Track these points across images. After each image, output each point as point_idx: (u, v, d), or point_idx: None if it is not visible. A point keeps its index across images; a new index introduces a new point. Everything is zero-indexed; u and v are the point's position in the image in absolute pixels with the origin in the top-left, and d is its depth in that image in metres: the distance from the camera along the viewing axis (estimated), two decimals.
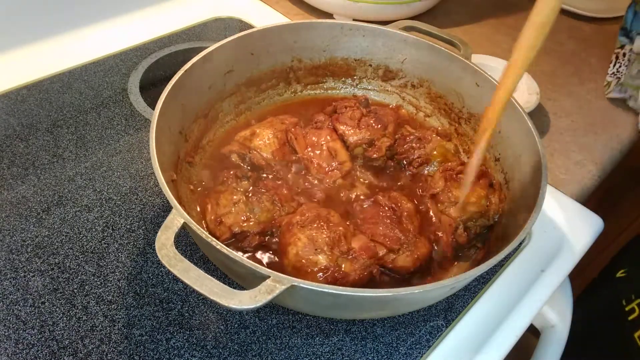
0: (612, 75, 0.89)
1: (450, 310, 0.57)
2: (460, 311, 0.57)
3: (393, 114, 0.71)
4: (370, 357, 0.53)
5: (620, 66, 0.88)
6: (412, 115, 0.75)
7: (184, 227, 0.44)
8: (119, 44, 0.87)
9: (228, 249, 0.43)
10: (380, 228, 0.56)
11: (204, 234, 0.44)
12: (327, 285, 0.42)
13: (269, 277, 0.41)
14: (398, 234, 0.56)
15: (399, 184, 0.66)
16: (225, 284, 0.41)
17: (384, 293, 0.44)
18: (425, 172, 0.65)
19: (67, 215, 0.61)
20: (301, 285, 0.41)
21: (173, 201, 0.45)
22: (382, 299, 0.45)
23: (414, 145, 0.67)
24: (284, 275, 0.41)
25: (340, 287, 0.42)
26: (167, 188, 0.46)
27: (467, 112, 0.70)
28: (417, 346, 0.54)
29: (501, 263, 0.62)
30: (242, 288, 0.41)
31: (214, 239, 0.43)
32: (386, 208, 0.58)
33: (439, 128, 0.72)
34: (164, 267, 0.41)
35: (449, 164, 0.64)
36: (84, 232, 0.60)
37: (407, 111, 0.75)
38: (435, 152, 0.66)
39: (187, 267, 0.41)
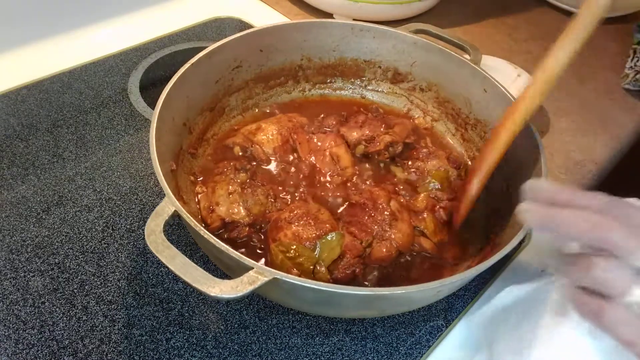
0: (631, 68, 0.92)
1: (450, 310, 0.57)
2: (460, 311, 0.57)
3: (407, 123, 0.71)
4: (370, 357, 0.53)
5: (638, 60, 0.92)
6: (432, 130, 0.74)
7: (178, 216, 0.45)
8: (119, 44, 0.87)
9: (215, 238, 0.43)
10: (355, 225, 0.57)
11: (192, 222, 0.44)
12: (308, 280, 0.42)
13: (253, 268, 0.41)
14: (369, 225, 0.56)
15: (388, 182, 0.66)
16: (216, 275, 0.41)
17: (365, 291, 0.44)
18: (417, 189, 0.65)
19: (67, 215, 0.62)
20: (283, 278, 0.41)
21: (166, 189, 0.46)
22: (364, 297, 0.45)
23: (420, 156, 0.67)
24: (267, 268, 0.41)
25: (321, 283, 0.42)
26: (162, 175, 0.47)
27: (474, 118, 0.70)
28: (417, 346, 0.54)
29: (502, 262, 0.62)
30: (229, 278, 0.41)
31: (202, 228, 0.44)
32: (360, 203, 0.59)
33: (455, 153, 0.70)
34: (163, 266, 0.41)
35: (439, 193, 0.63)
36: (84, 232, 0.60)
37: (425, 121, 0.75)
38: (433, 173, 0.65)
39: (173, 254, 0.41)
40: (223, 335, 0.53)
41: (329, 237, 0.54)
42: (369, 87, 0.77)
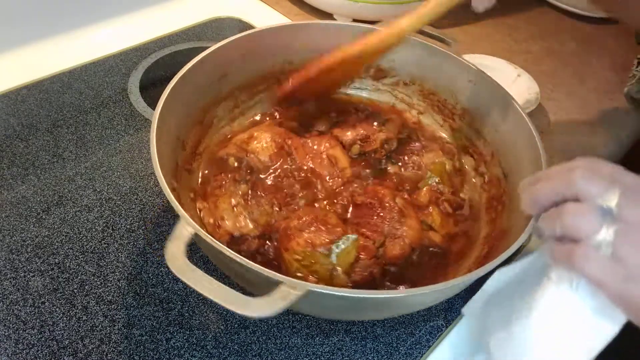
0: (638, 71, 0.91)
1: (450, 310, 0.57)
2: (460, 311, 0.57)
3: (397, 118, 0.72)
4: (370, 357, 0.53)
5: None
6: (420, 123, 0.75)
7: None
8: (119, 44, 0.87)
9: (241, 257, 0.42)
10: (365, 226, 0.57)
11: (215, 242, 0.43)
12: (342, 289, 0.42)
13: (283, 283, 0.40)
14: (379, 225, 0.56)
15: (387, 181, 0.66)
16: (232, 287, 0.40)
17: (398, 294, 0.44)
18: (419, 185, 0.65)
19: (67, 215, 0.62)
20: (316, 289, 0.40)
21: (181, 211, 0.44)
22: (394, 300, 0.45)
23: (415, 151, 0.66)
24: (297, 281, 0.40)
25: (357, 290, 0.42)
26: (171, 194, 0.45)
27: (460, 108, 0.70)
28: (417, 346, 0.54)
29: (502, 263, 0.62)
30: (250, 293, 0.41)
31: (225, 247, 0.42)
32: (366, 203, 0.59)
33: (446, 144, 0.71)
34: (173, 273, 0.41)
35: (440, 186, 0.63)
36: (84, 232, 0.60)
37: (412, 115, 0.75)
38: (431, 167, 0.65)
39: (200, 276, 0.40)
40: (223, 335, 0.53)
41: (342, 241, 0.53)
42: (352, 85, 0.77)
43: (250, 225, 0.56)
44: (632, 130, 0.85)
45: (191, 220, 0.44)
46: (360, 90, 0.77)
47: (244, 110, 0.72)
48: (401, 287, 0.54)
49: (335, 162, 0.65)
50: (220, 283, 0.40)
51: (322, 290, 0.41)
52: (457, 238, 0.60)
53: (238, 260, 0.42)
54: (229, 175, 0.61)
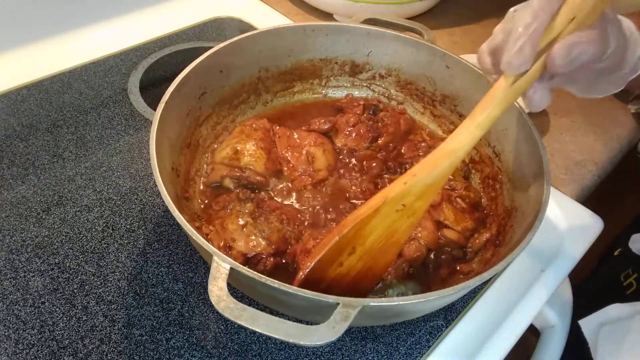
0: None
1: (450, 310, 0.57)
2: (460, 311, 0.57)
3: (400, 124, 0.70)
4: (370, 357, 0.53)
5: None
6: (418, 124, 0.74)
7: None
8: (119, 44, 0.87)
9: (287, 285, 0.41)
10: None
11: (256, 275, 0.41)
12: (395, 298, 0.42)
13: (338, 304, 0.39)
14: None
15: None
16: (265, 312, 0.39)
17: (447, 292, 0.43)
18: None
19: (67, 215, 0.62)
20: (371, 304, 0.40)
21: (211, 247, 0.43)
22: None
23: (421, 153, 0.66)
24: (352, 299, 0.40)
25: (409, 297, 0.42)
26: (194, 231, 0.44)
27: (440, 94, 0.71)
28: (417, 346, 0.54)
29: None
30: (295, 319, 0.40)
31: (269, 279, 0.41)
32: None
33: (427, 130, 0.72)
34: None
35: (452, 182, 0.63)
36: (84, 232, 0.60)
37: (410, 117, 0.74)
38: None
39: (253, 314, 0.39)
40: (223, 335, 0.53)
41: None
42: (329, 85, 0.77)
43: (264, 244, 0.54)
44: (632, 131, 0.85)
45: (225, 256, 0.42)
46: (337, 89, 0.77)
47: (227, 124, 0.70)
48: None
49: (312, 161, 0.63)
50: (276, 318, 0.39)
51: (376, 304, 0.40)
52: (477, 234, 0.60)
53: (283, 288, 0.40)
54: (232, 195, 0.59)
